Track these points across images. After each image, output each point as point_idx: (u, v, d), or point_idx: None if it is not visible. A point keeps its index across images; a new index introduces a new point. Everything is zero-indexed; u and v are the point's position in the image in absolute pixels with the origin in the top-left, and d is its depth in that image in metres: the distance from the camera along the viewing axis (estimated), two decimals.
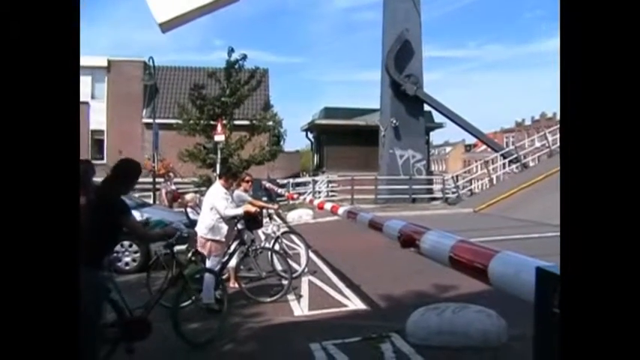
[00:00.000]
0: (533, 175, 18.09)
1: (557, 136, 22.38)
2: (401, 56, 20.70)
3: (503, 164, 22.44)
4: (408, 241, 2.66)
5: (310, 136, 31.49)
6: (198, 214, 6.63)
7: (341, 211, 6.22)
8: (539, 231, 10.91)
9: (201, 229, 5.79)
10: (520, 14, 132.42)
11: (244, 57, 21.29)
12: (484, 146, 40.99)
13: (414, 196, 20.35)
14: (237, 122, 21.88)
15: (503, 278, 1.86)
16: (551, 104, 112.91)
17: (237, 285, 6.23)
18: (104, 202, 3.54)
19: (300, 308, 5.82)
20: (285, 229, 9.61)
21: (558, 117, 55.34)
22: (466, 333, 4.18)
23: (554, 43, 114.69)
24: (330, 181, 22.89)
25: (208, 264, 5.75)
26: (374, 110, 24.20)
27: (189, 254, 6.01)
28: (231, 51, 21.15)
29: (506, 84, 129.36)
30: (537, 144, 24.81)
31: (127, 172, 3.74)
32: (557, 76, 1.03)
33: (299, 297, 6.20)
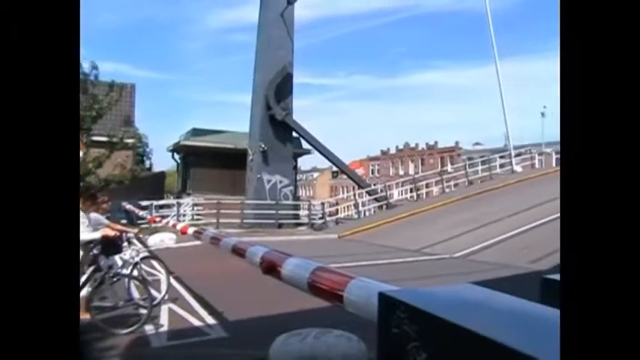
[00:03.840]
0: (396, 213, 19.47)
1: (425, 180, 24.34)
2: (279, 87, 21.21)
3: (369, 200, 23.66)
4: (269, 267, 2.70)
5: (177, 157, 30.50)
6: None
7: (204, 236, 6.09)
8: (398, 256, 11.72)
9: None
10: (386, 50, 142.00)
11: (95, 67, 20.13)
12: None
13: (280, 221, 20.59)
14: (95, 138, 20.41)
15: (356, 303, 1.98)
16: (415, 135, 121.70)
17: (88, 316, 5.76)
18: None
19: (159, 339, 5.54)
20: (145, 254, 9.13)
21: (420, 147, 59.56)
22: (327, 357, 4.31)
23: (416, 78, 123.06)
24: (195, 204, 22.28)
25: None
26: (243, 134, 24.24)
27: None
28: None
29: (373, 113, 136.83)
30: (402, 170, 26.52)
31: None
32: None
33: (158, 327, 5.91)
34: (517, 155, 26.40)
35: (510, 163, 25.01)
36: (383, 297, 1.27)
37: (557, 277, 1.48)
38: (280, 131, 21.47)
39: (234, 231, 17.54)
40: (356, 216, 22.34)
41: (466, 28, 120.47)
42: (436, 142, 59.27)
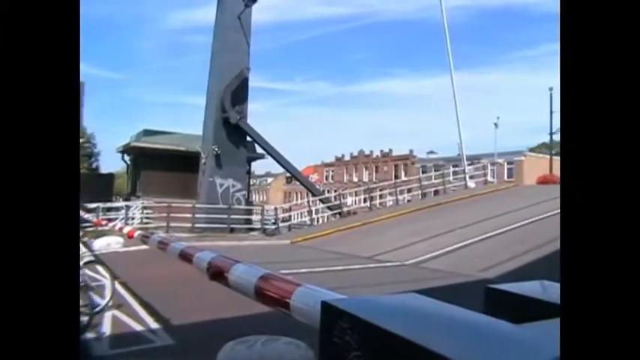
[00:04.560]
0: (350, 221, 19.60)
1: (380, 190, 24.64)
2: (235, 91, 20.99)
3: (322, 207, 23.69)
4: (217, 273, 2.64)
5: (127, 158, 29.62)
6: None
7: (151, 240, 5.90)
8: (350, 263, 11.75)
9: None
10: (345, 56, 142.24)
11: None
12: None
13: (232, 225, 20.31)
14: None
15: (302, 310, 1.95)
16: (370, 142, 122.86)
17: None
18: None
19: (101, 347, 5.32)
20: (90, 258, 8.78)
21: (375, 154, 60.50)
22: None
23: (374, 86, 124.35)
24: (145, 207, 21.67)
25: None
26: (195, 136, 23.82)
27: None
28: None
29: (329, 119, 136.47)
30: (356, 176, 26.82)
31: None
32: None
33: (100, 334, 5.68)
34: (470, 165, 27.11)
35: (464, 178, 25.59)
36: (326, 305, 1.25)
37: (500, 286, 1.50)
38: (234, 135, 21.23)
39: (184, 235, 17.18)
40: (309, 222, 22.32)
41: (426, 37, 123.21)
42: (391, 150, 60.09)
